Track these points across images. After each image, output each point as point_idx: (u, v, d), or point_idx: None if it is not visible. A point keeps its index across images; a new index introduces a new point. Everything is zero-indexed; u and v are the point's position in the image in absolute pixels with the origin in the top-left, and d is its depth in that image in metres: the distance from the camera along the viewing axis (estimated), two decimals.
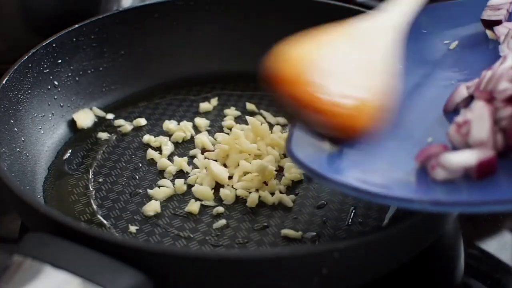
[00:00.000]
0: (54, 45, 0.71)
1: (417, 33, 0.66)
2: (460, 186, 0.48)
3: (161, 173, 0.66)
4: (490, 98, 0.51)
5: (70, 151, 0.68)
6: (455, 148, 0.51)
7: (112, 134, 0.71)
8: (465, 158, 0.48)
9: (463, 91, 0.56)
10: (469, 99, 0.56)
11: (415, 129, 0.56)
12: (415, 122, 0.57)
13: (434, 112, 0.58)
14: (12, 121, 0.64)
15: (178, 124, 0.71)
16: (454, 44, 0.65)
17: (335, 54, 0.56)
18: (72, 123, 0.71)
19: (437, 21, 0.68)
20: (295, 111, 0.53)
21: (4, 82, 0.64)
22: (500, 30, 0.63)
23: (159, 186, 0.63)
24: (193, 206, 0.61)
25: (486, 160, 0.48)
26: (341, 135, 0.54)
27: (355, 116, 0.54)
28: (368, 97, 0.55)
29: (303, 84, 0.53)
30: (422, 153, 0.51)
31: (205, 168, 0.65)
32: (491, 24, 0.64)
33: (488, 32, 0.64)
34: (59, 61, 0.72)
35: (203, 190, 0.62)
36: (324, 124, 0.53)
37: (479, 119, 0.50)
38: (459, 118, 0.51)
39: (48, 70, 0.70)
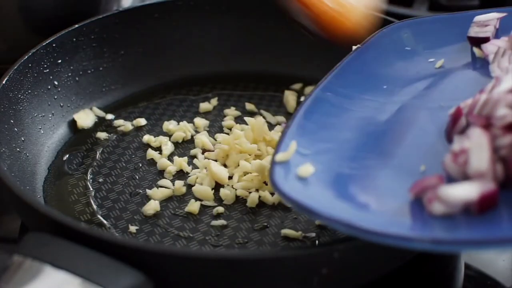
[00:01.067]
0: (54, 45, 0.71)
1: (400, 51, 0.64)
2: (459, 221, 0.45)
3: (161, 173, 0.66)
4: (487, 124, 0.48)
5: (70, 151, 0.68)
6: (449, 176, 0.48)
7: (112, 134, 0.71)
8: (466, 191, 0.45)
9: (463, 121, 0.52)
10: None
11: (406, 156, 0.53)
12: (405, 149, 0.54)
13: (425, 137, 0.54)
14: (12, 121, 0.64)
15: (178, 124, 0.71)
16: (440, 63, 0.62)
17: None
18: (72, 123, 0.71)
19: (421, 38, 0.65)
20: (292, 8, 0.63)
21: (4, 82, 0.64)
22: (489, 48, 0.60)
23: (159, 186, 0.64)
24: (193, 206, 0.61)
25: (488, 194, 0.45)
26: (327, 32, 0.63)
27: (341, 18, 0.63)
28: (356, 4, 0.63)
29: None
30: (417, 185, 0.48)
31: (205, 168, 0.65)
32: (478, 41, 0.62)
33: (476, 50, 0.62)
34: (59, 61, 0.72)
35: (203, 190, 0.62)
36: (315, 21, 0.63)
37: (477, 148, 0.46)
38: (455, 147, 0.48)
39: (48, 70, 0.70)
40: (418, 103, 0.59)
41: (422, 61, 0.63)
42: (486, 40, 0.62)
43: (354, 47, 0.64)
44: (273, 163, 0.53)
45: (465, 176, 0.47)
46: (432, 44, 0.64)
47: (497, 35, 0.63)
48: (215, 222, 0.60)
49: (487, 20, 0.63)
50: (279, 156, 0.53)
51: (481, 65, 0.61)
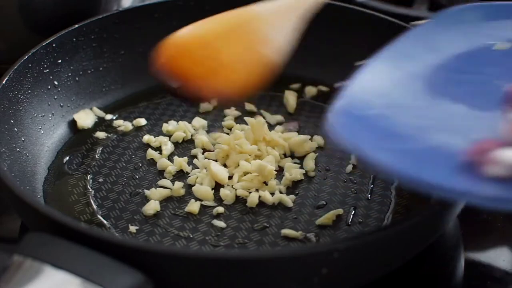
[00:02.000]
0: (54, 45, 0.71)
1: (462, 30, 0.66)
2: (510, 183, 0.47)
3: (161, 173, 0.66)
4: None
5: (70, 151, 0.68)
6: (507, 144, 0.50)
7: (112, 134, 0.71)
8: None
9: None
10: None
11: (459, 123, 0.55)
12: (459, 118, 0.56)
13: (478, 108, 0.56)
14: (12, 121, 0.64)
15: (178, 123, 0.71)
16: (499, 46, 0.64)
17: (216, 38, 0.62)
18: (72, 123, 0.71)
19: (485, 20, 0.67)
20: (168, 77, 0.61)
21: (4, 82, 0.64)
22: None
23: (159, 186, 0.63)
24: (193, 206, 0.61)
25: None
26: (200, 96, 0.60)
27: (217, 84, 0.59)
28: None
29: (179, 58, 0.61)
30: (475, 147, 0.49)
31: (205, 168, 0.65)
32: None
33: None
34: (59, 61, 0.72)
35: (203, 190, 0.62)
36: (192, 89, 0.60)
37: None
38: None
39: (48, 70, 0.70)
40: (473, 78, 0.61)
41: (481, 41, 0.65)
42: None
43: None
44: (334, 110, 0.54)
45: None
46: (495, 28, 0.66)
47: None
48: (215, 222, 0.60)
49: None
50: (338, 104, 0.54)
51: None
